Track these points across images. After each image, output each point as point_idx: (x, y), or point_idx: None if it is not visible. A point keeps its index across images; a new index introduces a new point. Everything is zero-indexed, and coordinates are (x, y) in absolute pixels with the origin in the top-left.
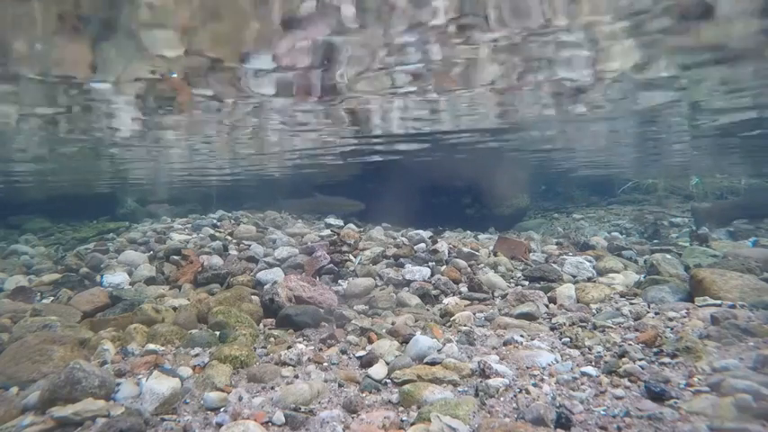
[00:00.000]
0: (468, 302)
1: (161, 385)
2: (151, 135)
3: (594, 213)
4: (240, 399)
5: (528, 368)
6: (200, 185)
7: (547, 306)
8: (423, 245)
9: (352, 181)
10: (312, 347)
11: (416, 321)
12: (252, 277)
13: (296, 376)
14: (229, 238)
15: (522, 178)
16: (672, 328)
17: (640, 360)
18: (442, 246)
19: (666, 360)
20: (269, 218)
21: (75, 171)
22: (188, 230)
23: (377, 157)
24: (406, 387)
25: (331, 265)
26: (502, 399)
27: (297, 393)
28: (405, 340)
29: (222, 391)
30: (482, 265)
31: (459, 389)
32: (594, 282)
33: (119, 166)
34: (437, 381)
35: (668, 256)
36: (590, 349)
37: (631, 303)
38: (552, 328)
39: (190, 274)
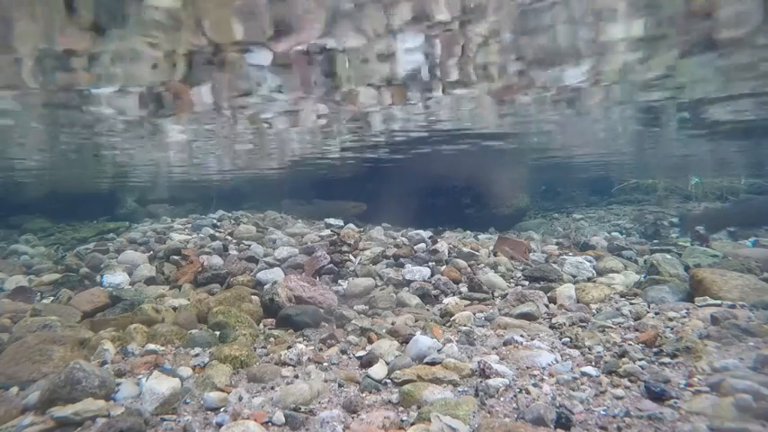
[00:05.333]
0: (468, 302)
1: (161, 385)
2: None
3: (594, 213)
4: (240, 399)
5: (528, 368)
6: (202, 184)
7: (547, 306)
8: (423, 245)
9: (351, 181)
10: (312, 347)
11: (416, 321)
12: (252, 277)
13: (296, 376)
14: (229, 238)
15: (521, 178)
16: (672, 328)
17: (640, 360)
18: (442, 246)
19: (666, 360)
20: (269, 218)
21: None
22: (188, 230)
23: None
24: (406, 387)
25: (331, 265)
26: (502, 399)
27: (297, 393)
28: (405, 340)
29: (222, 391)
30: (482, 265)
31: (459, 389)
32: (594, 282)
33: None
34: (437, 381)
35: (668, 256)
36: (590, 349)
37: (631, 303)
38: (552, 328)
39: (190, 274)
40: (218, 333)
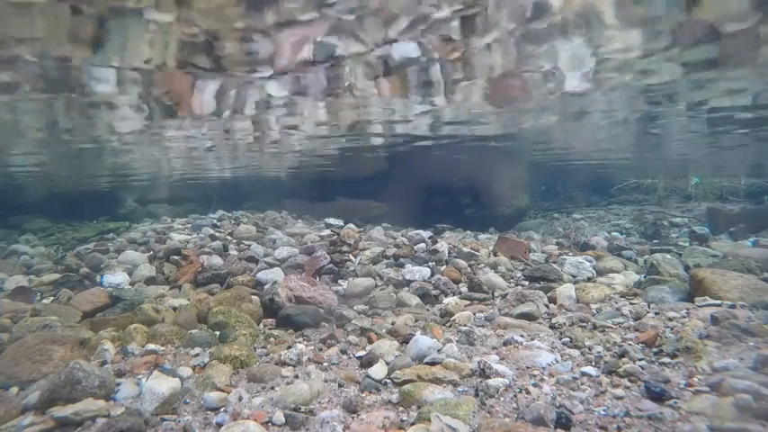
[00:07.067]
0: (468, 302)
1: (161, 385)
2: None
3: (594, 213)
4: (240, 399)
5: (528, 368)
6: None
7: (547, 306)
8: (423, 245)
9: (351, 181)
10: (312, 347)
11: (416, 321)
12: (252, 277)
13: (296, 376)
14: (229, 238)
15: (521, 178)
16: (672, 328)
17: (640, 360)
18: (442, 246)
19: (666, 360)
20: (269, 218)
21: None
22: (188, 230)
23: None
24: (406, 387)
25: (331, 265)
26: (502, 399)
27: (297, 393)
28: (405, 340)
29: (222, 391)
30: (482, 265)
31: (459, 389)
32: (594, 282)
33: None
34: (437, 381)
35: (668, 256)
36: (590, 349)
37: (631, 303)
38: (552, 328)
39: (190, 274)
40: (218, 333)
